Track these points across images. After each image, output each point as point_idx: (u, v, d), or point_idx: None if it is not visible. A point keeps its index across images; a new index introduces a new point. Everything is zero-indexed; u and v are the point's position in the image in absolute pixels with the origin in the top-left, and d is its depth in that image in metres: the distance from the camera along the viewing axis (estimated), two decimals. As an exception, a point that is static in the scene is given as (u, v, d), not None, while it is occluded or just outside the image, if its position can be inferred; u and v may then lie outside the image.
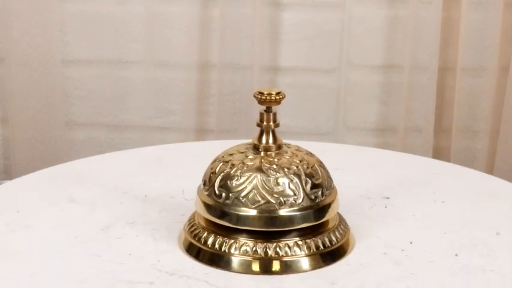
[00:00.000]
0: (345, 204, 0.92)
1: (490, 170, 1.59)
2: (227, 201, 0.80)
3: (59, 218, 0.90)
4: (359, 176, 1.03)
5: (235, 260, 0.79)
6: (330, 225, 0.83)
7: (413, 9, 1.53)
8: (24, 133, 1.65)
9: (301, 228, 0.80)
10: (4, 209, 0.92)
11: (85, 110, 1.68)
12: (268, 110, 0.82)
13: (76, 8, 1.62)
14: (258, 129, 0.83)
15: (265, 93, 0.81)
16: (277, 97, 0.81)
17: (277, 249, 0.79)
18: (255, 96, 0.82)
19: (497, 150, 1.57)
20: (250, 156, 0.82)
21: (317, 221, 0.81)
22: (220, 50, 1.59)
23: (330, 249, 0.81)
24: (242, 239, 0.80)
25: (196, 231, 0.83)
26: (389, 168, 1.07)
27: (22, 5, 1.59)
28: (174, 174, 1.03)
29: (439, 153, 1.62)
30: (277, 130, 0.83)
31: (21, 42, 1.60)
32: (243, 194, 0.80)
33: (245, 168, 0.81)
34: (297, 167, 0.81)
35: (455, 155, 1.59)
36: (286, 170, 0.81)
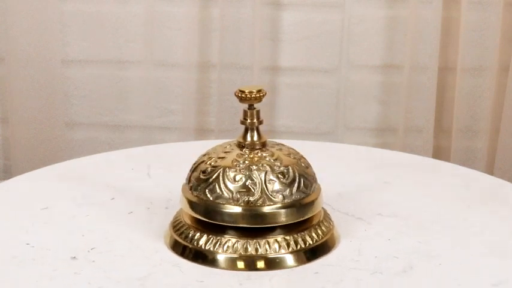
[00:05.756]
0: (337, 201, 0.92)
1: (490, 170, 1.59)
2: (210, 199, 0.81)
3: (55, 216, 0.90)
4: (356, 174, 1.03)
5: (220, 257, 0.80)
6: (314, 221, 0.83)
7: (413, 9, 1.53)
8: (24, 133, 1.65)
9: (285, 225, 0.81)
10: (3, 208, 0.93)
11: (85, 110, 1.68)
12: (251, 107, 0.83)
13: (76, 8, 1.63)
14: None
15: (246, 91, 0.82)
16: (258, 95, 0.82)
17: (262, 246, 0.80)
18: (236, 95, 0.82)
19: (497, 150, 1.57)
20: (235, 154, 0.82)
21: (300, 218, 0.81)
22: (220, 50, 1.59)
23: (314, 245, 0.81)
24: (227, 236, 0.81)
25: (181, 229, 0.83)
26: (387, 166, 1.07)
27: (22, 5, 1.59)
28: (172, 174, 1.02)
29: (439, 153, 1.62)
30: (261, 127, 0.84)
31: (21, 42, 1.60)
32: (226, 191, 0.80)
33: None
34: (281, 163, 0.82)
35: (455, 155, 1.59)
36: (270, 166, 0.81)
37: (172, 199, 0.94)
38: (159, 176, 1.02)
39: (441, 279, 0.78)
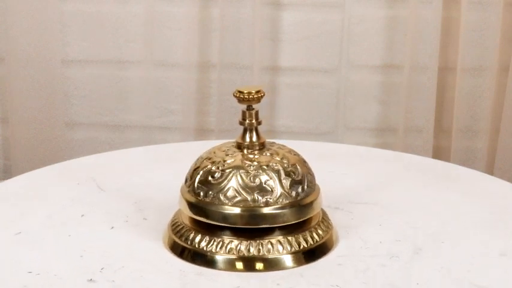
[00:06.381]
0: (336, 202, 0.92)
1: (490, 170, 1.59)
2: (209, 199, 0.80)
3: (52, 216, 0.90)
4: (355, 175, 1.03)
5: (219, 258, 0.79)
6: (313, 223, 0.83)
7: (413, 9, 1.53)
8: (24, 133, 1.65)
9: (284, 226, 0.81)
10: (2, 208, 0.93)
11: (85, 110, 1.68)
12: (249, 108, 0.83)
13: (76, 8, 1.63)
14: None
15: (244, 92, 0.82)
16: (257, 95, 0.82)
17: (260, 247, 0.80)
18: (234, 96, 0.82)
19: (497, 150, 1.57)
20: (233, 154, 0.82)
21: (299, 219, 0.81)
22: (220, 50, 1.59)
23: (312, 246, 0.81)
24: (225, 237, 0.80)
25: (180, 230, 0.83)
26: (387, 166, 1.07)
27: (22, 5, 1.59)
28: (171, 174, 1.02)
29: (439, 153, 1.62)
30: (260, 128, 0.84)
31: (21, 42, 1.60)
32: (224, 191, 0.80)
33: (227, 166, 0.81)
34: (280, 164, 0.81)
35: (455, 155, 1.59)
36: (268, 167, 0.81)
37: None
38: (157, 176, 1.02)
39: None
